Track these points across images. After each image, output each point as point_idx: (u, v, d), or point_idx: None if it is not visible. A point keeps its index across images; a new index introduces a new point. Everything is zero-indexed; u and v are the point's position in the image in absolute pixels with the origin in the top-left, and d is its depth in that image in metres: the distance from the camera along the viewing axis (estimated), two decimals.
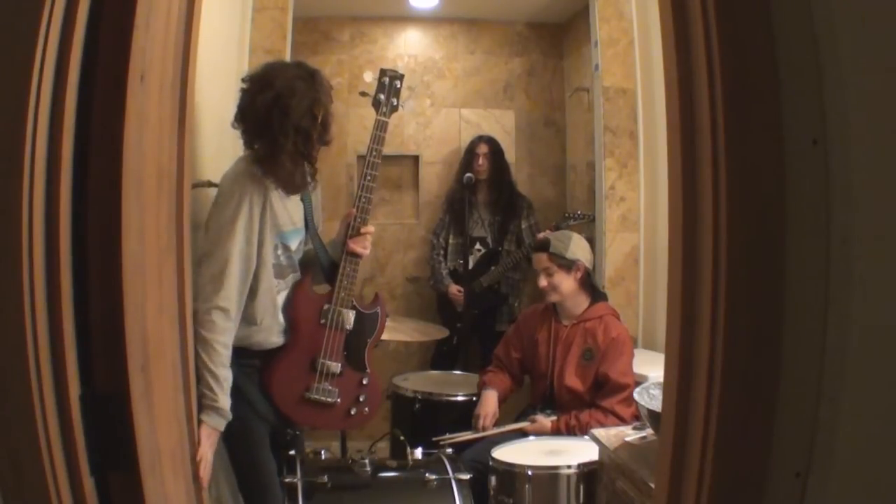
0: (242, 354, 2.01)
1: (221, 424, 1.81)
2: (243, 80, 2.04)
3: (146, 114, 1.14)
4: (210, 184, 2.21)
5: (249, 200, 1.94)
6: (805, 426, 0.89)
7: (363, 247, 2.18)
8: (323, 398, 2.15)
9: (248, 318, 2.01)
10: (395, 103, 2.29)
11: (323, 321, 2.16)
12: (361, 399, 2.22)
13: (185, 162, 1.42)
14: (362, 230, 2.20)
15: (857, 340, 0.85)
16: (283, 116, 1.93)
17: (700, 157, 0.93)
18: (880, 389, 0.83)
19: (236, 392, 1.91)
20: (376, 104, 2.27)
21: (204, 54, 1.40)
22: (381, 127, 2.25)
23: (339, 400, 2.17)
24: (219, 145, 2.45)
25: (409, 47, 4.43)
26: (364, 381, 2.23)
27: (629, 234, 3.39)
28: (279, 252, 2.08)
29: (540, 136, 4.48)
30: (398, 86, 2.30)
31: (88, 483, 0.96)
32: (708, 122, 0.90)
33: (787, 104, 0.89)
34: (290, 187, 2.03)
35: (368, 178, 2.20)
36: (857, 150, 0.85)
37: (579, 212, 3.66)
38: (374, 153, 2.21)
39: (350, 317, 2.20)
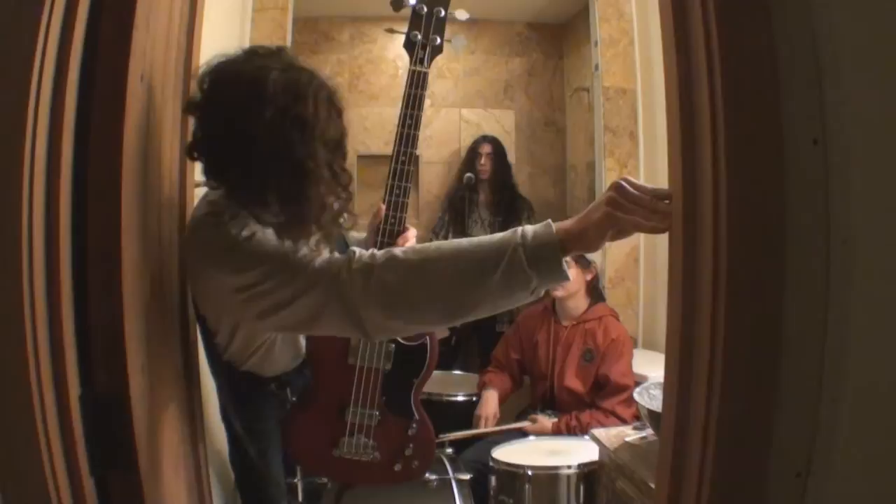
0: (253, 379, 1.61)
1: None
2: (191, 105, 1.25)
3: (147, 114, 1.14)
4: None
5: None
6: (805, 426, 0.89)
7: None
8: (356, 456, 1.60)
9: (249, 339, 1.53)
10: (439, 42, 1.51)
11: (352, 360, 1.57)
12: (408, 452, 1.66)
13: (187, 162, 1.42)
14: (400, 238, 1.50)
15: (857, 340, 0.85)
16: (301, 130, 1.19)
17: (700, 156, 0.93)
18: (880, 389, 0.83)
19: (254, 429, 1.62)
20: (409, 46, 1.52)
21: (203, 54, 1.40)
22: (417, 82, 1.48)
23: (377, 455, 1.62)
24: None
25: None
26: (410, 431, 1.66)
27: None
28: None
29: (540, 136, 4.48)
30: (442, 15, 1.51)
31: (88, 483, 0.96)
32: (708, 122, 0.90)
33: (787, 104, 0.89)
34: (306, 232, 1.23)
35: (403, 159, 1.47)
36: (857, 150, 0.85)
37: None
38: (410, 122, 1.47)
39: (388, 352, 1.59)
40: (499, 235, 1.11)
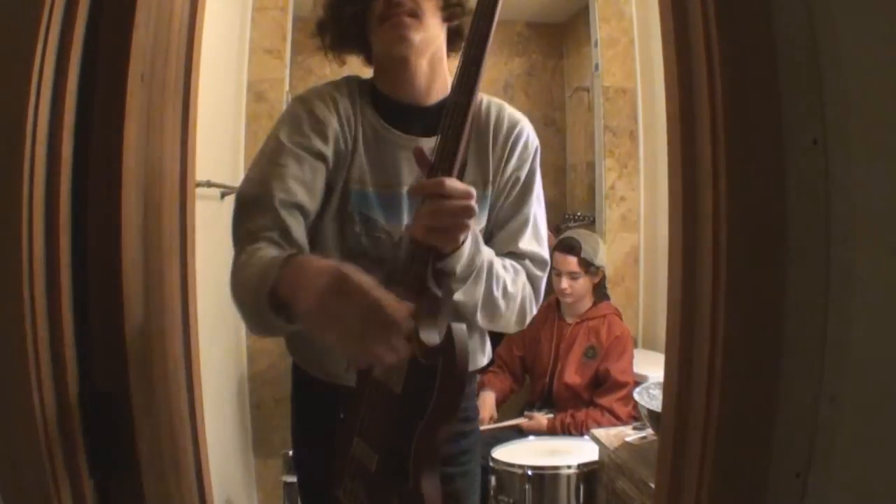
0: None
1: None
2: None
3: (147, 114, 1.14)
4: (210, 184, 2.21)
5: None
6: (805, 426, 0.89)
7: (443, 230, 1.00)
8: None
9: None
10: None
11: (375, 371, 1.08)
12: None
13: (188, 162, 1.42)
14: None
15: (857, 340, 0.85)
16: None
17: (700, 157, 0.93)
18: (880, 389, 0.83)
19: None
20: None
21: (204, 54, 1.40)
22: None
23: None
24: (219, 145, 2.45)
25: None
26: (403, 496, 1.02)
27: (629, 234, 3.39)
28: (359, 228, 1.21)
29: (540, 135, 4.41)
30: None
31: (88, 483, 0.96)
32: (708, 122, 0.90)
33: (787, 104, 0.89)
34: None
35: (463, 89, 0.99)
36: (857, 149, 0.85)
37: (579, 213, 3.66)
38: (477, 42, 1.00)
39: (400, 369, 1.00)
40: None
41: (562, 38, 4.48)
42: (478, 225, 1.19)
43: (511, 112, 1.32)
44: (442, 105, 1.14)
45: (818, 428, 0.88)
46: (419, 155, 1.03)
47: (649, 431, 2.12)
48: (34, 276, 0.88)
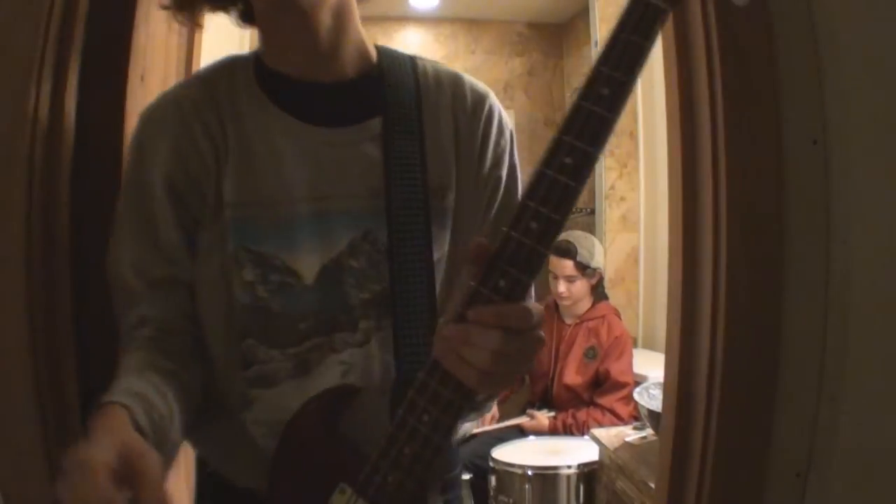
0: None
1: None
2: None
3: None
4: None
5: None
6: (805, 426, 0.89)
7: (508, 375, 0.64)
8: None
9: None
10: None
11: None
12: None
13: None
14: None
15: (856, 340, 0.85)
16: None
17: (700, 157, 0.93)
18: (880, 389, 0.83)
19: None
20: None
21: (204, 55, 1.40)
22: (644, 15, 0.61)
23: None
24: None
25: (409, 47, 4.41)
26: None
27: (629, 234, 3.39)
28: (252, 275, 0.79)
29: (540, 135, 4.47)
30: None
31: None
32: (708, 122, 0.90)
33: (787, 104, 0.89)
34: None
35: (575, 150, 0.57)
36: (856, 150, 0.85)
37: (579, 206, 3.67)
38: (611, 84, 0.61)
39: None
40: None
41: (562, 38, 4.48)
42: (437, 252, 0.80)
43: (472, 82, 0.87)
44: (357, 81, 0.82)
45: (818, 428, 0.88)
46: (479, 252, 0.59)
47: (649, 431, 2.12)
48: (34, 275, 0.88)
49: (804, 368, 0.89)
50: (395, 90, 0.81)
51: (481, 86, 0.88)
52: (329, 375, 0.78)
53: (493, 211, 0.85)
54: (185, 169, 0.79)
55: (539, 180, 0.58)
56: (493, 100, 0.88)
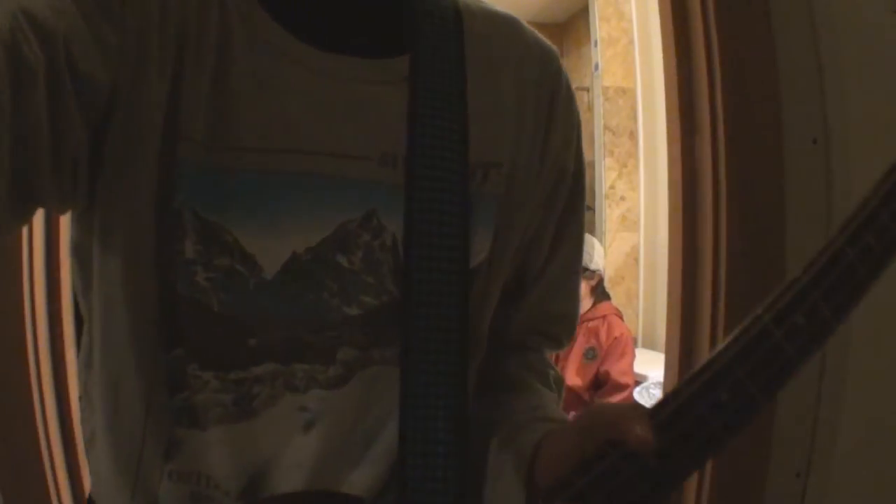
0: None
1: None
2: None
3: None
4: None
5: None
6: (805, 426, 0.89)
7: None
8: None
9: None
10: None
11: None
12: None
13: None
14: None
15: (857, 340, 0.85)
16: None
17: (700, 157, 0.93)
18: (880, 389, 0.83)
19: None
20: None
21: None
22: None
23: None
24: None
25: None
26: None
27: (629, 234, 3.39)
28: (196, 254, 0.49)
29: None
30: None
31: (88, 483, 0.96)
32: (708, 121, 0.90)
33: (787, 104, 0.89)
34: None
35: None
36: (856, 150, 0.85)
37: None
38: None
39: None
40: None
41: (562, 37, 4.48)
42: (475, 258, 0.55)
43: (534, 32, 0.62)
44: None
45: (818, 428, 0.88)
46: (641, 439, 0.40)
47: None
48: (34, 276, 0.88)
49: (804, 368, 0.89)
50: (432, 22, 0.56)
51: (545, 40, 0.62)
52: (282, 427, 0.51)
53: (552, 210, 0.60)
54: (150, 49, 0.47)
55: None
56: (561, 63, 0.62)
